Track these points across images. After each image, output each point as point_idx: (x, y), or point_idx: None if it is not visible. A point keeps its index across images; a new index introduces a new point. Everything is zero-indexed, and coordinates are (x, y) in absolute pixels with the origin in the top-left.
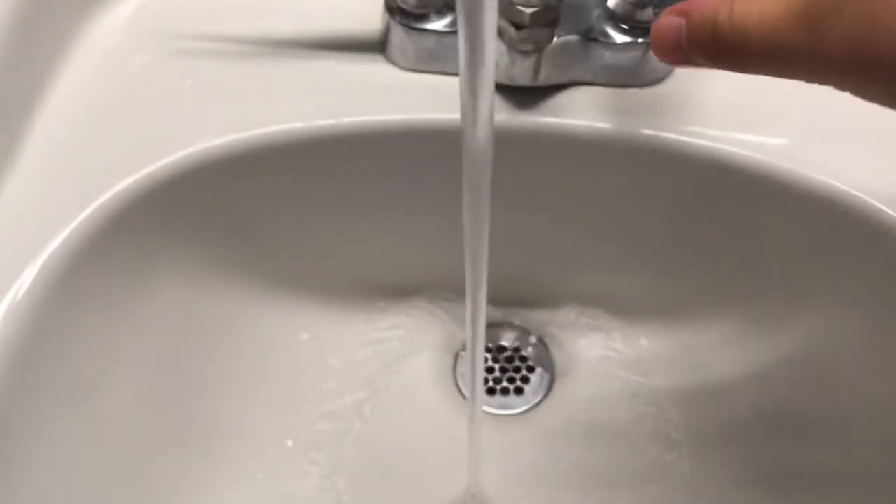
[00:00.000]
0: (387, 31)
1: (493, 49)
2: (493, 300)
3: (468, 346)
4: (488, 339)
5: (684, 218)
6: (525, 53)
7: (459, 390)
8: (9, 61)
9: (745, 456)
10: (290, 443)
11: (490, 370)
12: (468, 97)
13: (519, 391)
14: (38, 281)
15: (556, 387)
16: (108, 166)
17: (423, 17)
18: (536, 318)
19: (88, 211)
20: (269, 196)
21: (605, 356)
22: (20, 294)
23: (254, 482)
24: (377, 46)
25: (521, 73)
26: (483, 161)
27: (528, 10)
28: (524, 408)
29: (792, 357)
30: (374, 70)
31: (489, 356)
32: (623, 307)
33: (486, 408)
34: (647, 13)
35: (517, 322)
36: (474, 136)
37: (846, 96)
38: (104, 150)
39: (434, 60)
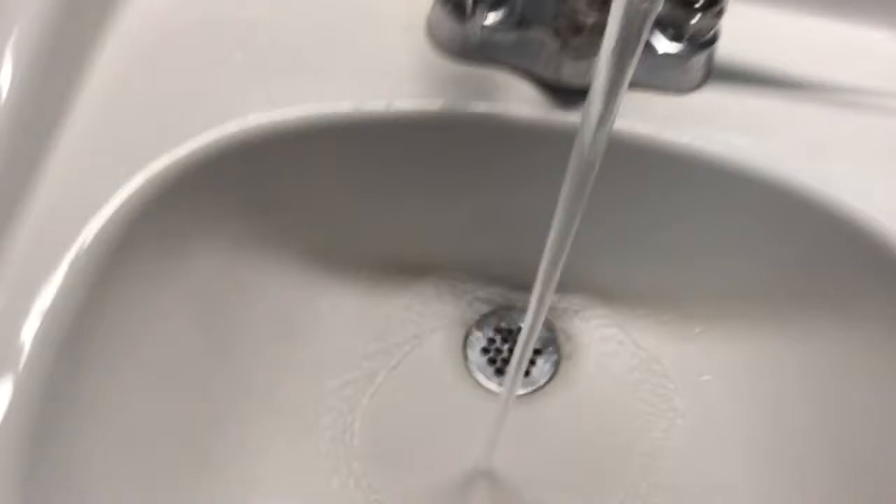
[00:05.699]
0: (436, 18)
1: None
2: (507, 282)
3: (524, 333)
4: (498, 320)
5: (709, 228)
6: (579, 57)
7: (468, 367)
8: (58, 25)
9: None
10: (307, 411)
11: (499, 351)
12: (600, 100)
13: (526, 373)
14: (88, 254)
15: (562, 369)
16: (156, 140)
17: (475, 7)
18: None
19: (136, 184)
20: (307, 173)
21: (613, 348)
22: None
23: (275, 447)
24: (424, 31)
25: (572, 74)
26: (594, 160)
27: (590, 20)
28: (530, 388)
29: (804, 357)
30: (421, 55)
31: (499, 336)
32: (633, 301)
33: (493, 387)
34: (694, 19)
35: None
36: (595, 138)
37: None
38: (151, 122)
39: (480, 51)
